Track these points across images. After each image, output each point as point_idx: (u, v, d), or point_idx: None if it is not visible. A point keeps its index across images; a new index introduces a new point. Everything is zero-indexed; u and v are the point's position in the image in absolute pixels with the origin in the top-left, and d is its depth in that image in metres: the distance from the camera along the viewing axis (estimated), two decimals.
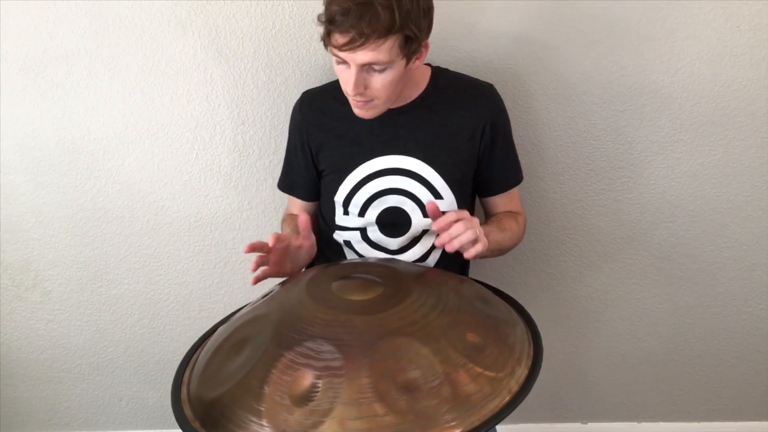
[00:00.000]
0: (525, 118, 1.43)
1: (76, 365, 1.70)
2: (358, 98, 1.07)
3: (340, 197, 1.22)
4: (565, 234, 1.55)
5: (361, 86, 1.05)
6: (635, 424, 1.77)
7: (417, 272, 1.03)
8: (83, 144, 1.45)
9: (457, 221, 1.01)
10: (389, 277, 0.96)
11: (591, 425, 1.77)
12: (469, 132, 1.19)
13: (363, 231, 1.23)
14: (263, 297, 1.01)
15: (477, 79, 1.25)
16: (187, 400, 0.87)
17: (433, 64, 1.24)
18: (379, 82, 1.05)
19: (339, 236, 1.26)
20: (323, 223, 1.31)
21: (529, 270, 1.58)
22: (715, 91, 1.40)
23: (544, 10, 1.33)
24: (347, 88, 1.06)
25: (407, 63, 1.06)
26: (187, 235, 1.54)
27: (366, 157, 1.19)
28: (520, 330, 0.92)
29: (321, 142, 1.23)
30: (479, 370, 0.80)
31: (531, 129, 1.44)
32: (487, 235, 1.08)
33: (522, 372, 0.83)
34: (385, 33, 0.97)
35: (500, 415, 0.76)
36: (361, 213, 1.21)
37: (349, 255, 1.27)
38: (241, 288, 1.60)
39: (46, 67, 1.37)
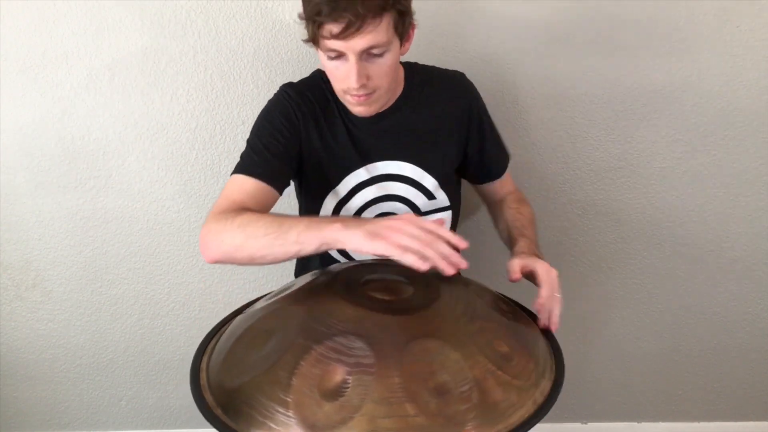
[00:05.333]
0: (525, 117, 1.43)
1: (76, 365, 1.70)
2: (361, 92, 1.00)
3: (329, 206, 1.15)
4: (565, 234, 1.55)
5: (364, 77, 0.98)
6: (635, 424, 1.77)
7: (444, 276, 1.03)
8: (83, 144, 1.45)
9: (552, 298, 0.96)
10: (418, 279, 0.95)
11: (591, 425, 1.77)
12: (450, 127, 1.16)
13: None
14: (283, 290, 1.01)
15: (446, 70, 1.20)
16: (207, 387, 0.86)
17: (401, 61, 1.20)
18: (379, 68, 0.99)
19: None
20: None
21: None
22: (715, 91, 1.40)
23: (543, 10, 1.33)
24: (347, 83, 0.99)
25: (401, 44, 1.01)
26: (187, 235, 1.54)
27: (356, 166, 1.13)
28: (542, 342, 0.93)
29: (313, 142, 1.13)
30: (507, 378, 0.80)
31: (531, 129, 1.44)
32: (534, 249, 1.07)
33: (546, 384, 0.84)
34: (380, 11, 0.92)
35: (526, 425, 0.76)
36: None
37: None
38: (240, 288, 1.60)
39: (46, 67, 1.37)
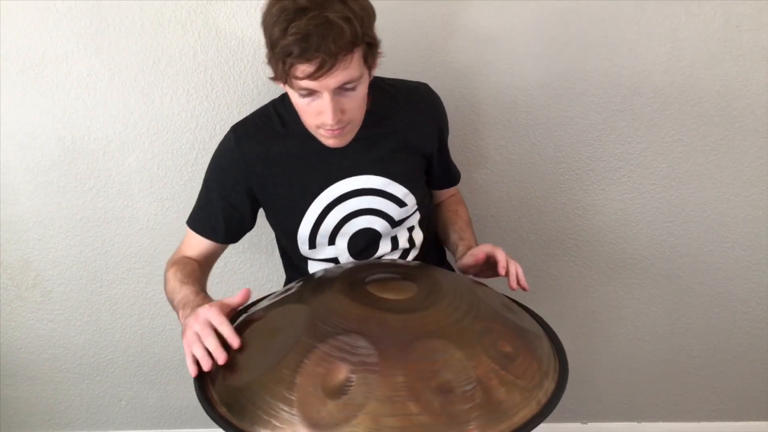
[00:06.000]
0: (525, 118, 1.43)
1: (76, 365, 1.70)
2: (336, 126, 1.00)
3: (304, 232, 1.15)
4: (565, 234, 1.55)
5: (339, 112, 0.98)
6: (635, 424, 1.77)
7: (447, 276, 1.03)
8: (83, 144, 1.45)
9: (508, 261, 1.07)
10: (422, 278, 0.96)
11: (591, 425, 1.77)
12: (417, 139, 1.17)
13: (336, 261, 1.19)
14: (287, 290, 1.01)
15: (410, 81, 1.20)
16: (211, 385, 0.86)
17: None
18: (353, 101, 0.99)
19: (313, 266, 1.22)
20: (294, 258, 1.26)
21: (528, 270, 1.55)
22: (715, 91, 1.40)
23: (543, 10, 1.33)
24: (321, 119, 0.99)
25: (369, 74, 1.02)
26: None
27: (323, 187, 1.13)
28: (546, 343, 0.93)
29: (268, 180, 1.13)
30: (511, 378, 0.80)
31: (531, 129, 1.44)
32: (482, 244, 1.15)
33: (549, 385, 0.84)
34: (351, 47, 0.91)
35: (529, 425, 0.77)
36: (331, 242, 1.17)
37: None
38: (240, 288, 1.58)
39: (46, 67, 1.37)
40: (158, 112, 1.42)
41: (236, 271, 1.58)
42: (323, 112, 0.97)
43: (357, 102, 1.01)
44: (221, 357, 0.85)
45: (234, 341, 0.87)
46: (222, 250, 1.24)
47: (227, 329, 0.87)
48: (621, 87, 1.40)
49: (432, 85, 1.25)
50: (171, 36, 1.35)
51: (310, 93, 0.96)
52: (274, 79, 0.99)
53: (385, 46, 1.36)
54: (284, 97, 1.15)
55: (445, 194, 1.34)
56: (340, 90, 0.96)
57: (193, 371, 0.87)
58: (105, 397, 1.75)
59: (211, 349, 0.86)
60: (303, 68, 0.91)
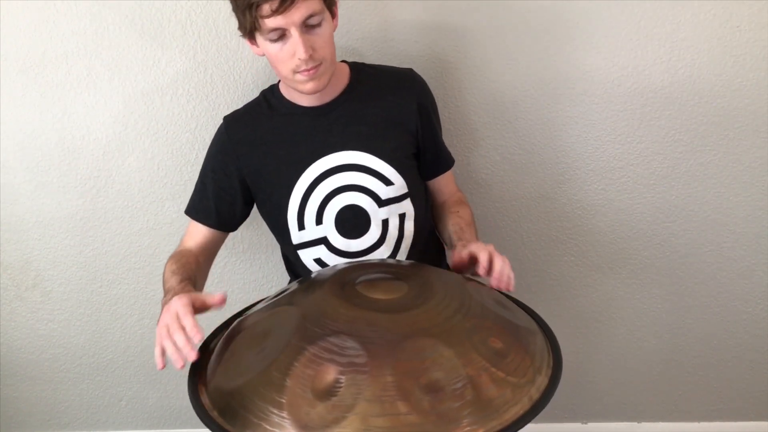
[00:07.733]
0: (525, 118, 1.43)
1: (76, 365, 1.70)
2: (310, 63, 1.04)
3: (292, 211, 1.19)
4: (565, 234, 1.55)
5: (309, 48, 1.03)
6: (635, 424, 1.77)
7: (439, 274, 1.03)
8: (83, 144, 1.45)
9: (491, 259, 1.03)
10: (413, 277, 0.96)
11: (591, 425, 1.77)
12: (400, 117, 1.20)
13: (326, 241, 1.20)
14: (281, 292, 1.01)
15: (396, 67, 1.26)
16: (204, 390, 0.87)
17: (349, 61, 1.25)
18: (320, 38, 1.05)
19: (306, 255, 1.23)
20: (286, 250, 1.28)
21: (528, 270, 1.58)
22: (715, 91, 1.40)
23: (543, 10, 1.33)
24: (295, 59, 1.04)
25: (332, 17, 1.09)
26: None
27: (308, 162, 1.17)
28: (540, 339, 0.93)
29: (255, 160, 1.19)
30: (502, 375, 0.80)
31: (531, 129, 1.44)
32: (472, 242, 1.13)
33: (542, 381, 0.84)
34: None
35: (521, 422, 0.76)
36: (318, 221, 1.19)
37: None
38: (240, 288, 1.60)
39: (46, 67, 1.38)
40: (158, 112, 1.42)
41: (236, 271, 1.58)
42: (295, 51, 1.03)
43: (324, 39, 1.06)
44: (191, 355, 0.84)
45: (195, 335, 0.85)
46: (220, 240, 1.26)
47: (189, 321, 0.86)
48: (621, 87, 1.40)
49: (432, 84, 1.26)
50: (171, 36, 1.35)
51: (280, 36, 1.03)
52: (245, 35, 1.07)
53: (385, 45, 1.37)
54: (273, 87, 1.23)
55: (444, 191, 1.33)
56: (306, 27, 1.03)
57: (159, 364, 0.87)
58: (105, 397, 1.75)
59: (179, 346, 0.85)
60: (268, 6, 0.98)
